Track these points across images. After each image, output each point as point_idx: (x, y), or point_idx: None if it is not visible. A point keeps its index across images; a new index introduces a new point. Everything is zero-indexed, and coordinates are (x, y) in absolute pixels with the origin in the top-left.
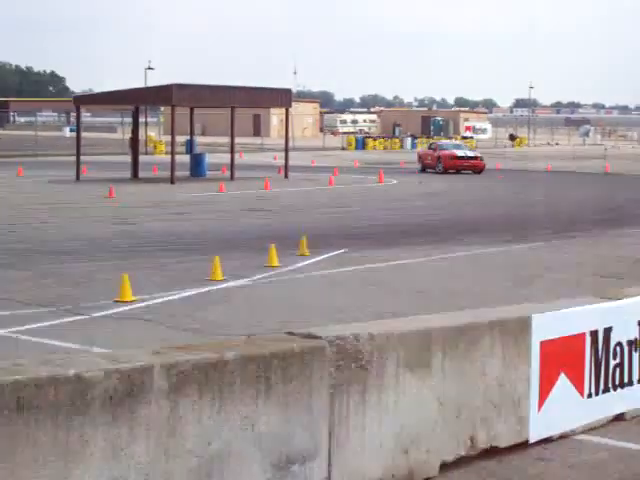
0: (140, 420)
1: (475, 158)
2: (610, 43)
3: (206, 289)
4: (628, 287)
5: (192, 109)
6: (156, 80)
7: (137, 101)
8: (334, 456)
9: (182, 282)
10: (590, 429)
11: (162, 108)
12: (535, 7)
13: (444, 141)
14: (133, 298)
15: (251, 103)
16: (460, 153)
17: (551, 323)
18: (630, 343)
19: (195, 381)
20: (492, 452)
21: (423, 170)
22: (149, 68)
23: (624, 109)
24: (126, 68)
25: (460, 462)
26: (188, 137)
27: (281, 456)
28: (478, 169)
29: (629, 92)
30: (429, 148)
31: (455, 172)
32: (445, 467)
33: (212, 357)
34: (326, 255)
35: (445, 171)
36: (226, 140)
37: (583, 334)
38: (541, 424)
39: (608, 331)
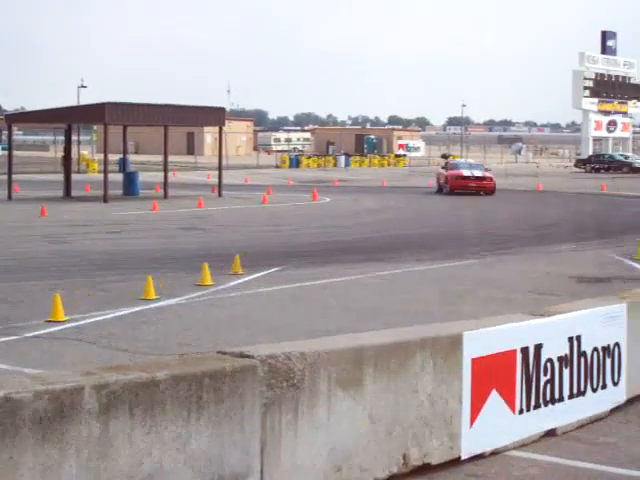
0: (71, 441)
1: (483, 178)
2: (542, 62)
3: (139, 308)
4: (560, 304)
5: (125, 127)
6: (89, 98)
7: (70, 119)
8: (266, 475)
9: (115, 301)
10: (522, 445)
11: (95, 126)
12: (467, 26)
13: (459, 160)
14: (65, 318)
15: (184, 121)
16: (466, 173)
17: (482, 340)
18: (560, 359)
19: (126, 401)
20: (424, 469)
21: (440, 190)
22: (82, 86)
23: (556, 127)
24: (59, 86)
25: None
26: (121, 155)
27: (213, 476)
28: (487, 190)
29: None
30: (443, 167)
31: (468, 193)
32: None
33: (143, 377)
34: (260, 273)
35: (451, 192)
36: (159, 158)
37: (514, 351)
38: (473, 440)
39: (539, 348)
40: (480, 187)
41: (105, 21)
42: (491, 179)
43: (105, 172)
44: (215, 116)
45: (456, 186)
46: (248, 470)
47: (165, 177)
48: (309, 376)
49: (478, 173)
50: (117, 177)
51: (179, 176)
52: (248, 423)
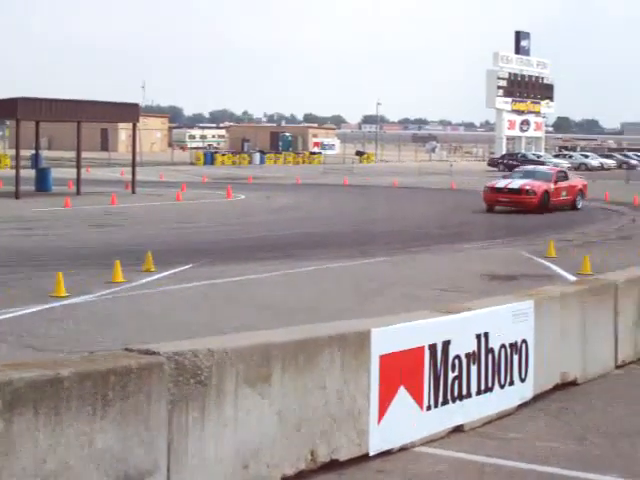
0: None
1: (519, 191)
2: (456, 61)
3: (49, 306)
4: (468, 301)
5: (38, 123)
6: (0, 93)
7: None
8: (173, 472)
9: (24, 299)
10: (430, 441)
11: (7, 122)
12: (382, 24)
13: (528, 167)
14: None
15: (98, 117)
16: (500, 184)
17: (390, 337)
18: (468, 356)
19: (30, 399)
20: (333, 465)
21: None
22: None
23: (470, 126)
24: None
25: (301, 476)
26: (34, 151)
27: (119, 473)
28: (524, 207)
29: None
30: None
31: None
32: None
33: (47, 374)
34: (172, 271)
35: (489, 208)
36: (73, 154)
37: (422, 347)
38: (381, 437)
39: (447, 344)
40: (514, 203)
41: (17, 15)
42: (531, 192)
43: (17, 168)
44: (129, 112)
45: (489, 200)
46: (155, 467)
47: (78, 173)
48: (216, 373)
49: (516, 185)
50: (29, 173)
51: (93, 172)
52: (154, 420)
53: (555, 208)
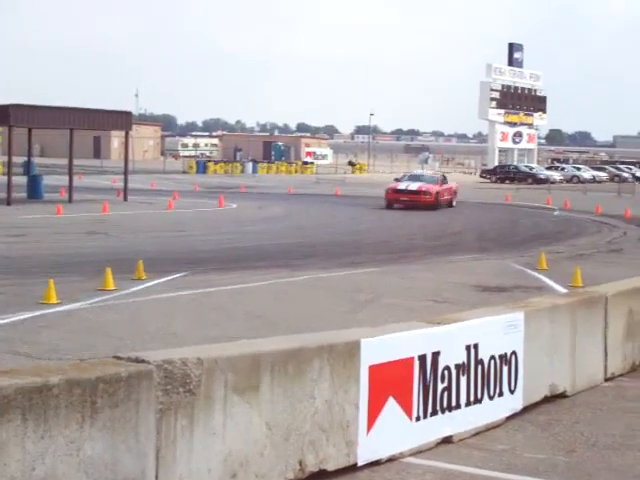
0: None
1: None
2: (449, 72)
3: (40, 313)
4: (458, 312)
5: (30, 130)
6: None
7: None
8: None
9: (15, 305)
10: (418, 452)
11: None
12: (375, 35)
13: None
14: None
15: (91, 125)
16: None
17: (380, 347)
18: (458, 367)
19: (18, 405)
20: (321, 475)
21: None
22: None
23: (463, 137)
24: None
25: None
26: (26, 158)
27: None
28: None
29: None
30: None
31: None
32: None
33: (36, 381)
34: (163, 279)
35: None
36: (65, 162)
37: (412, 358)
38: (369, 447)
39: (436, 355)
40: None
41: (9, 20)
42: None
43: (9, 175)
44: (122, 120)
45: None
46: (143, 475)
47: (70, 181)
48: (205, 382)
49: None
50: (21, 180)
51: (85, 180)
52: (143, 428)
53: None
